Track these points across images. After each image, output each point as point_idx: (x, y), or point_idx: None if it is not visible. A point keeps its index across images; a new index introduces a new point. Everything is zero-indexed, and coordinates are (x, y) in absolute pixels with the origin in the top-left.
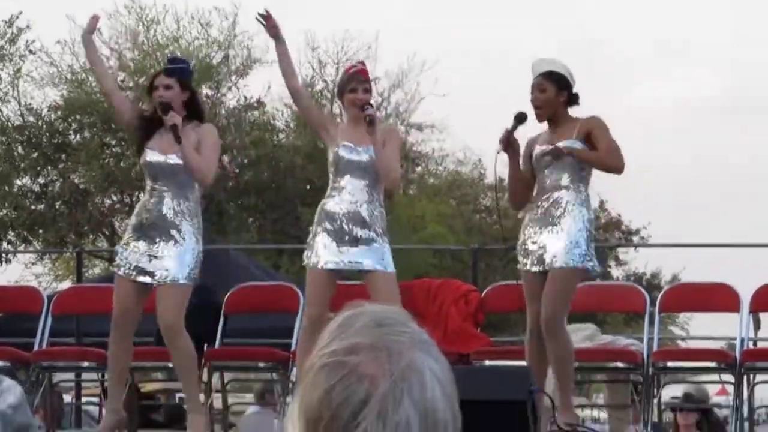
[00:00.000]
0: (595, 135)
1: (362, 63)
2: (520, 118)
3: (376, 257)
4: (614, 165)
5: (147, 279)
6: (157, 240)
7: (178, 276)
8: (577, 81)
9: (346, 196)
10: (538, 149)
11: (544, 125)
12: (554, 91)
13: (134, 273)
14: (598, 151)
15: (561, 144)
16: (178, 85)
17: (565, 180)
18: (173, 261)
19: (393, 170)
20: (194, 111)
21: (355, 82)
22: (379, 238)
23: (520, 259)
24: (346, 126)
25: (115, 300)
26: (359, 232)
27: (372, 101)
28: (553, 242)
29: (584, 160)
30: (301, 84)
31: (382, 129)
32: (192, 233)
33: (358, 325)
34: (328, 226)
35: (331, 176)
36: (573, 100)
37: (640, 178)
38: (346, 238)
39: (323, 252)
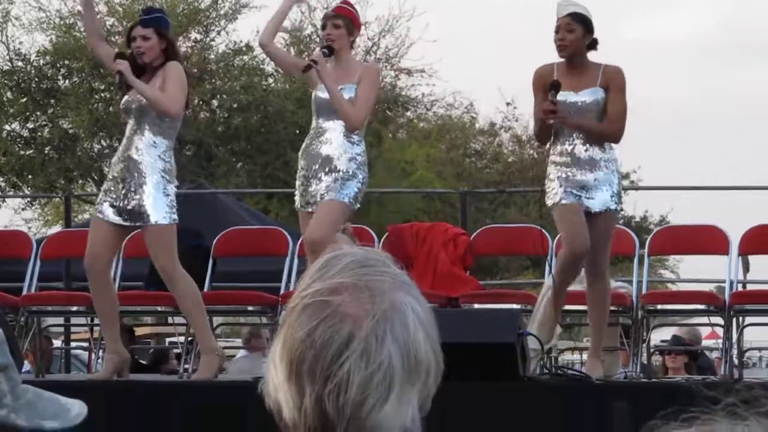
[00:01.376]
0: (610, 95)
1: (346, 2)
2: (557, 87)
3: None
4: (613, 135)
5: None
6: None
7: (158, 218)
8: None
9: (322, 137)
10: (565, 97)
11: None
12: (582, 33)
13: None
14: (602, 124)
15: (580, 96)
16: (156, 35)
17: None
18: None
19: (349, 114)
20: (172, 58)
21: (325, 18)
22: (343, 173)
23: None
24: (330, 67)
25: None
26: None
27: (339, 37)
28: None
29: (583, 130)
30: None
31: (361, 67)
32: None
33: (340, 266)
34: (302, 166)
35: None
36: (594, 44)
37: (629, 121)
38: (313, 177)
39: (297, 194)
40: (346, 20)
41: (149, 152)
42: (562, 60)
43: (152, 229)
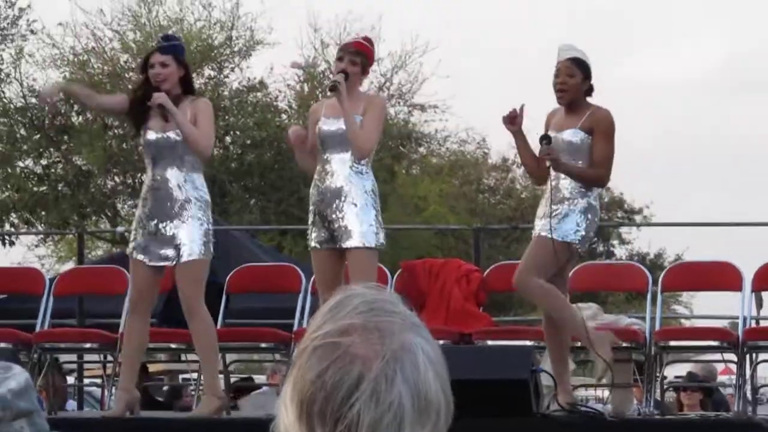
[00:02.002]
0: (595, 139)
1: (367, 38)
2: (548, 140)
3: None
4: (599, 181)
5: (163, 262)
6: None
7: (192, 252)
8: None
9: (329, 171)
10: (553, 134)
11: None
12: (581, 78)
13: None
14: (587, 170)
15: (562, 136)
16: (175, 62)
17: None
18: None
19: (360, 139)
20: (189, 87)
21: (343, 51)
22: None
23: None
24: (332, 99)
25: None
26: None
27: (354, 73)
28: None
29: (568, 175)
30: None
31: (366, 98)
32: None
33: (350, 308)
34: (313, 202)
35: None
36: (591, 90)
37: (642, 157)
38: (326, 213)
39: (311, 232)
40: (363, 58)
41: (184, 187)
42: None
43: (184, 263)
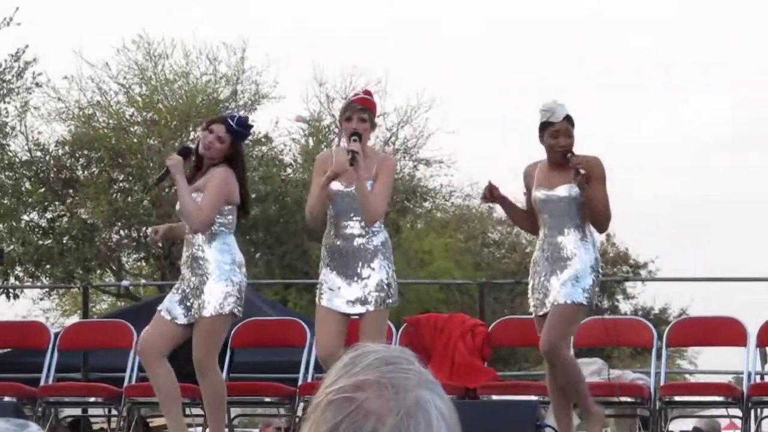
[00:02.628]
0: (593, 185)
1: (368, 92)
2: (572, 153)
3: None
4: (605, 218)
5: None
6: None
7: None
8: (585, 112)
9: (343, 234)
10: (541, 193)
11: (535, 158)
12: (570, 133)
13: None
14: (605, 197)
15: (557, 192)
16: (231, 141)
17: (569, 222)
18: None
19: (371, 208)
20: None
21: (350, 110)
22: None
23: (532, 301)
24: (342, 156)
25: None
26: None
27: (365, 131)
28: (557, 284)
29: (589, 200)
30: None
31: (378, 159)
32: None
33: (365, 364)
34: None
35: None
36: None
37: (648, 212)
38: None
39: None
40: (370, 114)
41: (209, 246)
42: (545, 159)
43: (202, 320)
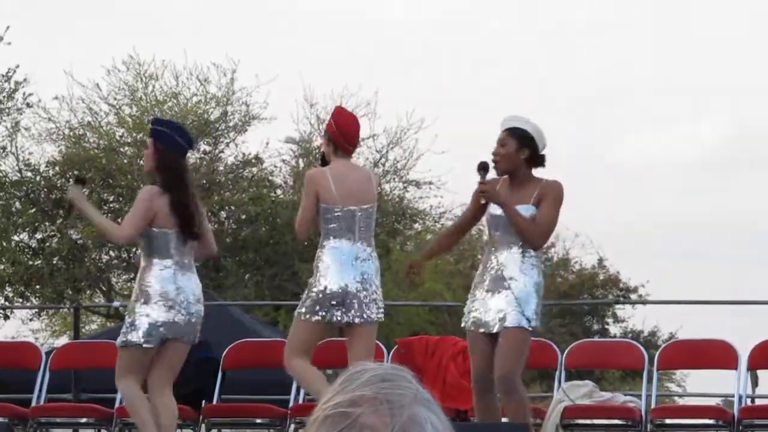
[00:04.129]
0: (542, 203)
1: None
2: (484, 167)
3: None
4: (533, 240)
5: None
6: None
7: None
8: (577, 134)
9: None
10: (494, 209)
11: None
12: (515, 147)
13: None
14: (526, 221)
15: (517, 207)
16: (155, 150)
17: (515, 243)
18: None
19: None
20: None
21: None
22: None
23: (469, 318)
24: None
25: None
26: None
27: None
28: (503, 305)
29: (511, 220)
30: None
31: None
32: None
33: (361, 380)
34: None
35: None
36: (537, 160)
37: (638, 235)
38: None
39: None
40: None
41: (148, 271)
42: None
43: None
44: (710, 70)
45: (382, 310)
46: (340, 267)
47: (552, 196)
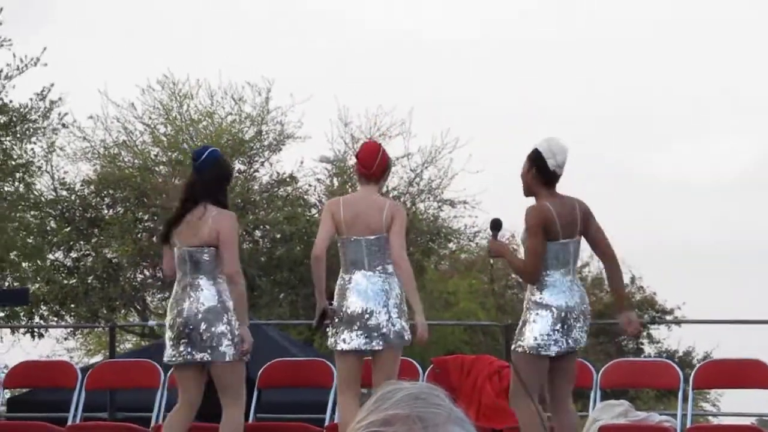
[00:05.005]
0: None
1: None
2: (496, 225)
3: None
4: (519, 271)
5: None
6: None
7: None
8: (611, 151)
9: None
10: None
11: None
12: (526, 167)
13: None
14: (513, 257)
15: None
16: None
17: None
18: None
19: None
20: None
21: None
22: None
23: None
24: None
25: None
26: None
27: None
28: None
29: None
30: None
31: (388, 204)
32: None
33: (395, 399)
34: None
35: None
36: (546, 176)
37: (675, 256)
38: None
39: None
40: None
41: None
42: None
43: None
44: (750, 84)
45: (398, 333)
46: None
47: (526, 223)
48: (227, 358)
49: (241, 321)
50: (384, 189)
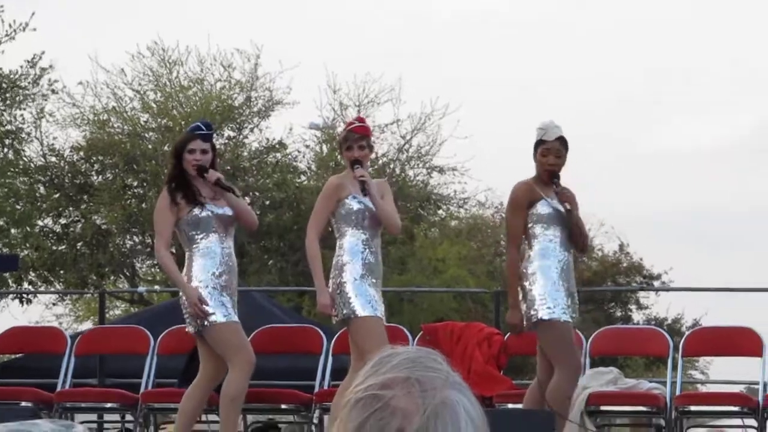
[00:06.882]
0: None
1: (362, 120)
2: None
3: None
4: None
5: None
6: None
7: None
8: (599, 120)
9: (375, 248)
10: (552, 204)
11: (521, 176)
12: (565, 158)
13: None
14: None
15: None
16: (212, 149)
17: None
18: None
19: (395, 217)
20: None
21: (350, 140)
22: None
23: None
24: (352, 180)
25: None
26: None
27: (365, 158)
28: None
29: (573, 219)
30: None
31: (375, 183)
32: None
33: (393, 363)
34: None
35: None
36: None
37: (662, 222)
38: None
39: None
40: (368, 140)
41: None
42: (535, 176)
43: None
44: (739, 54)
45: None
46: None
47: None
48: (188, 329)
49: (179, 287)
50: (373, 155)
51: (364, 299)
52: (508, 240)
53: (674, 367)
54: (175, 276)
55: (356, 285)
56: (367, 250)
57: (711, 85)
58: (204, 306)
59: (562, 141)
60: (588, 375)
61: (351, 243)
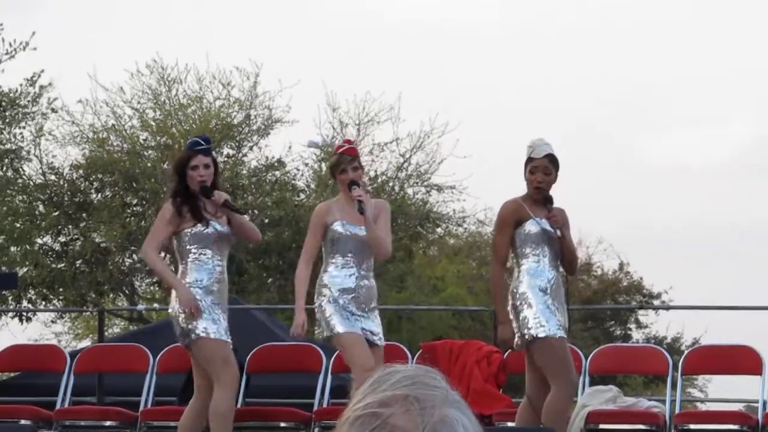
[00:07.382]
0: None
1: (349, 141)
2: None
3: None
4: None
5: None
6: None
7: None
8: (601, 137)
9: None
10: (541, 224)
11: (509, 195)
12: (555, 175)
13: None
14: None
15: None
16: (213, 162)
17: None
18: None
19: (385, 243)
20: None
21: (344, 162)
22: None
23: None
24: (344, 204)
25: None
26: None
27: (360, 178)
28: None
29: (565, 243)
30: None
31: (374, 203)
32: None
33: (392, 381)
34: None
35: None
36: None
37: (662, 240)
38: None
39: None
40: (359, 161)
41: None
42: (525, 194)
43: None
44: (741, 70)
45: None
46: None
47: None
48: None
49: (174, 287)
50: (372, 174)
51: (340, 317)
52: (493, 257)
53: (673, 386)
54: (168, 275)
55: (334, 305)
56: (355, 274)
57: (711, 100)
58: (198, 305)
59: (551, 159)
60: (587, 393)
61: (336, 266)
